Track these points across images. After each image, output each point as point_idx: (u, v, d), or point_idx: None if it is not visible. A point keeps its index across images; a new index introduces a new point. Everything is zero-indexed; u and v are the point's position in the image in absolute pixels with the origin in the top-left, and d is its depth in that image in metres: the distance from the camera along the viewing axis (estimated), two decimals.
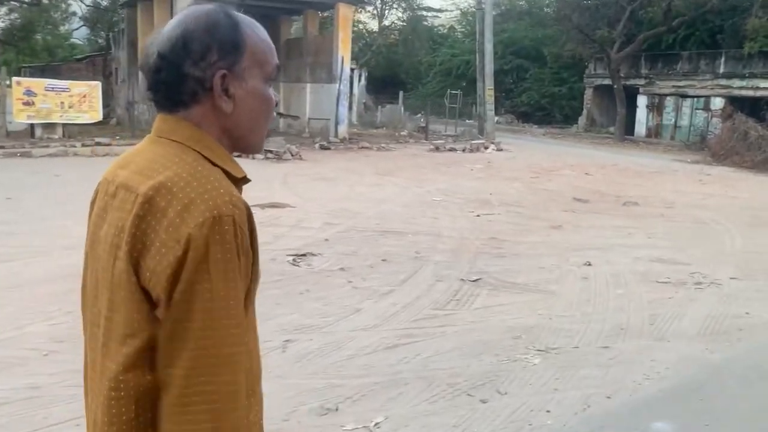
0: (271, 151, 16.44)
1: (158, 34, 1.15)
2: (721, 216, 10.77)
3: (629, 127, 29.23)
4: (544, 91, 34.89)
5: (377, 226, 8.86)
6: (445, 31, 50.85)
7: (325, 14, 29.02)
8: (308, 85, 24.03)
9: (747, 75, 25.11)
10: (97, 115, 18.32)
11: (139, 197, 1.07)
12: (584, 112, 32.64)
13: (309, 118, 24.08)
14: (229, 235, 1.04)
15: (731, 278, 6.94)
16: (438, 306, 5.64)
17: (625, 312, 5.67)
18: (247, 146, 1.23)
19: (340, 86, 22.22)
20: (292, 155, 16.60)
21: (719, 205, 12.03)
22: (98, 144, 16.59)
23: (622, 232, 9.24)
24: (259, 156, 16.42)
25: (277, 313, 5.31)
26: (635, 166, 18.34)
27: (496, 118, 37.90)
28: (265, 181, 12.21)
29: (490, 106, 27.16)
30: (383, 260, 7.09)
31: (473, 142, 22.07)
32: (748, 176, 17.24)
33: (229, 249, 1.04)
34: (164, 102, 1.16)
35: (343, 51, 22.13)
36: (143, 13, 23.46)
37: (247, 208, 1.10)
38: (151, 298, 1.06)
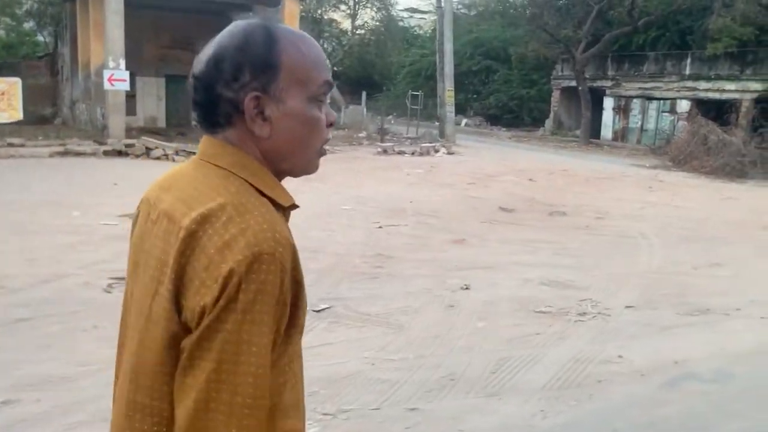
0: (194, 152, 15.35)
1: (202, 51, 1.09)
2: (652, 228, 9.80)
3: (596, 130, 28.33)
4: (513, 93, 33.91)
5: None
6: (421, 31, 49.94)
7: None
8: None
9: (713, 77, 24.26)
10: (17, 114, 17.21)
11: (182, 231, 1.00)
12: (551, 114, 31.69)
13: None
14: (267, 274, 0.96)
15: (626, 307, 5.94)
16: None
17: (470, 354, 4.66)
18: (292, 169, 1.13)
19: None
20: None
21: (657, 215, 11.06)
22: (10, 145, 15.49)
23: (528, 248, 8.24)
24: (179, 157, 15.40)
25: (28, 359, 4.26)
26: (587, 172, 17.38)
27: (465, 121, 37.01)
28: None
29: (450, 108, 26.21)
30: None
31: (423, 145, 21.08)
32: (704, 183, 16.31)
33: (263, 290, 0.96)
34: (204, 124, 1.09)
35: None
36: (81, 8, 22.36)
37: (292, 245, 1.01)
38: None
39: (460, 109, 38.07)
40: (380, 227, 9.05)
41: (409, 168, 16.33)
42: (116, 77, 18.20)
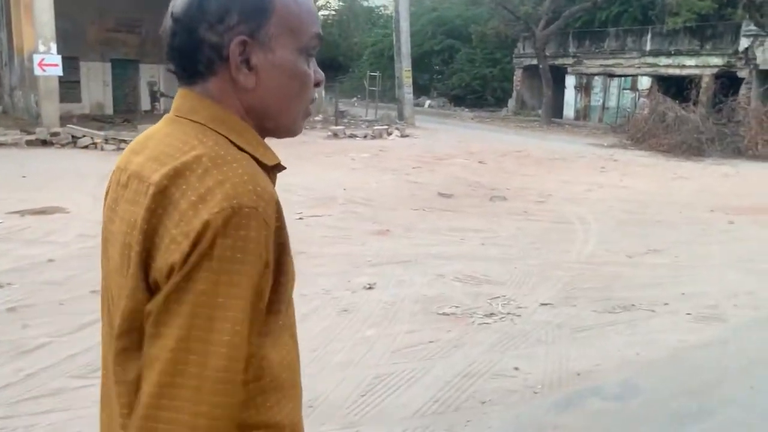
0: (125, 141, 14.51)
1: None
2: (594, 212, 9.25)
3: (558, 109, 27.84)
4: (475, 72, 33.25)
5: None
6: (387, 11, 49.02)
7: None
8: None
9: (673, 52, 23.81)
10: None
11: (152, 187, 0.90)
12: (514, 94, 31.11)
13: None
14: (247, 230, 0.85)
15: (542, 304, 5.36)
16: (77, 373, 3.91)
17: (345, 372, 4.02)
18: (276, 129, 1.03)
19: None
20: None
21: (602, 197, 10.53)
22: None
23: (456, 237, 7.63)
24: (109, 146, 14.54)
25: None
26: (542, 153, 16.83)
27: (428, 102, 36.34)
28: (79, 177, 10.38)
29: (408, 88, 25.50)
30: (92, 292, 5.33)
31: (376, 128, 20.37)
32: (659, 162, 15.84)
33: (242, 247, 0.84)
34: (181, 73, 0.99)
35: None
36: None
37: (277, 201, 0.92)
38: None
39: (424, 90, 37.44)
40: (301, 218, 8.37)
41: (356, 152, 15.63)
42: (47, 62, 17.18)
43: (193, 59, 0.96)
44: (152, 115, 25.48)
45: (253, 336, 0.89)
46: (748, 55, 21.45)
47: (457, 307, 5.23)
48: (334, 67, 40.63)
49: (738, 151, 17.08)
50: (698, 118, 17.59)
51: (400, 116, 25.16)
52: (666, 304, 5.47)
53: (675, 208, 9.66)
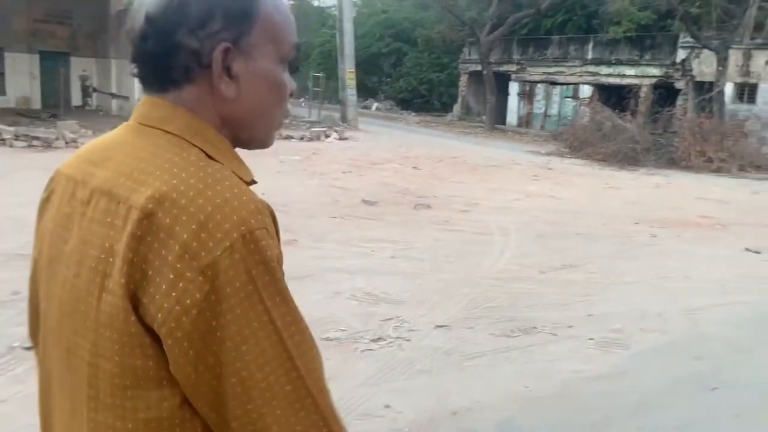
0: (38, 138, 13.65)
1: None
2: (517, 222, 8.95)
3: (502, 116, 27.80)
4: (422, 76, 33.00)
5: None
6: (336, 11, 48.48)
7: None
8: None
9: (614, 62, 23.99)
10: None
11: (134, 211, 0.80)
12: (459, 99, 30.98)
13: (138, 99, 21.10)
14: (268, 250, 0.80)
15: (437, 327, 4.95)
16: None
17: None
18: (250, 140, 0.96)
19: None
20: (67, 142, 13.84)
21: (528, 207, 10.25)
22: None
23: (367, 249, 7.19)
24: (19, 143, 13.64)
25: None
26: (479, 159, 16.59)
27: (376, 105, 35.98)
28: None
29: (351, 90, 25.06)
30: None
31: (314, 130, 19.86)
32: (593, 171, 15.77)
33: (273, 268, 0.80)
34: (150, 79, 0.90)
35: None
36: None
37: (273, 214, 0.86)
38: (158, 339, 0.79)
39: (372, 93, 37.08)
40: None
41: (287, 155, 15.07)
42: None
43: (167, 65, 0.88)
44: (83, 111, 24.41)
45: None
46: (684, 67, 21.73)
47: (344, 330, 4.78)
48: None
49: (672, 161, 17.17)
50: (634, 128, 17.64)
51: (343, 118, 24.70)
52: (570, 326, 5.14)
53: (600, 220, 9.44)
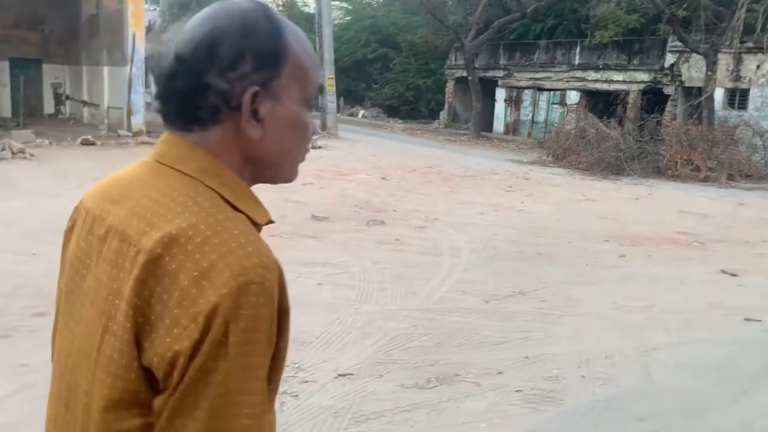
0: None
1: (178, 30, 0.90)
2: (473, 241, 8.17)
3: (489, 123, 27.05)
4: (409, 83, 32.24)
5: None
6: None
7: None
8: (105, 68, 20.37)
9: (601, 66, 23.24)
10: None
11: (141, 255, 0.81)
12: (446, 106, 30.23)
13: (108, 107, 20.47)
14: (257, 308, 0.79)
15: (339, 375, 4.18)
16: None
17: None
18: (274, 178, 0.96)
19: (132, 69, 18.74)
20: (13, 153, 13.08)
21: (492, 222, 9.47)
22: None
23: (293, 274, 6.34)
24: None
25: None
26: (456, 169, 15.82)
27: (362, 112, 35.22)
28: None
29: (331, 97, 24.35)
30: None
31: None
32: (573, 180, 14.99)
33: (254, 327, 0.78)
34: (176, 118, 0.90)
35: (136, 27, 18.68)
36: None
37: (280, 269, 0.84)
38: (154, 382, 0.82)
39: (358, 100, 36.39)
40: None
41: None
42: None
43: (195, 105, 0.87)
44: (55, 120, 23.69)
45: None
46: (673, 72, 20.99)
47: None
48: None
49: (658, 170, 16.41)
50: (618, 136, 16.87)
51: (323, 126, 23.96)
52: (499, 372, 4.35)
53: (567, 237, 8.66)
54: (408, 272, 6.69)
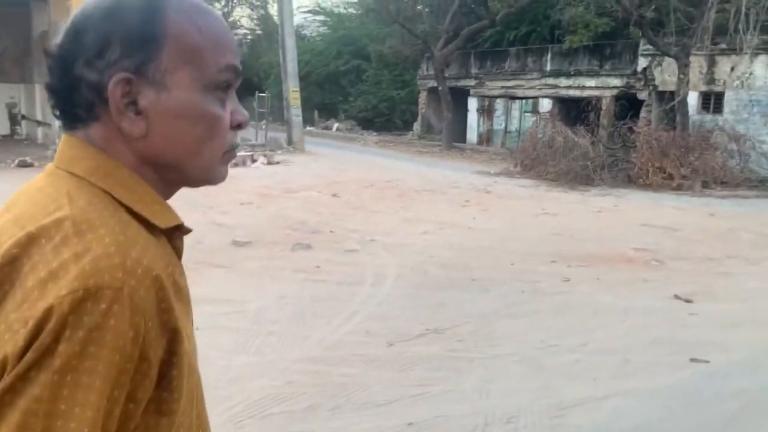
0: None
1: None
2: (402, 266, 7.30)
3: (462, 134, 26.26)
4: (382, 94, 31.45)
5: None
6: (306, 31, 47.18)
7: None
8: None
9: (573, 73, 22.50)
10: None
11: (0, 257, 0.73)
12: (419, 117, 29.44)
13: (60, 127, 19.52)
14: (106, 317, 0.67)
15: None
16: None
17: None
18: (184, 180, 0.85)
19: None
20: None
21: (431, 243, 8.58)
22: None
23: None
24: None
25: None
26: (416, 183, 14.97)
27: (336, 125, 34.41)
28: None
29: (296, 110, 23.51)
30: None
31: (241, 154, 18.23)
32: (537, 192, 14.13)
33: (96, 339, 0.67)
34: (61, 116, 0.83)
35: None
36: None
37: (156, 277, 0.72)
38: None
39: (332, 113, 35.60)
40: None
41: None
42: None
43: (71, 101, 0.80)
44: (11, 141, 22.78)
45: None
46: (646, 76, 20.25)
47: None
48: (247, 87, 38.50)
49: (629, 179, 15.61)
50: (588, 144, 16.07)
51: (289, 140, 23.14)
52: None
53: (510, 258, 7.78)
54: (313, 308, 5.80)
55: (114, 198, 0.77)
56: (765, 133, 17.76)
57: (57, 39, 0.79)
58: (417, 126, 29.29)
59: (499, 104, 25.30)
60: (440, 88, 24.69)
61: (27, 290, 0.68)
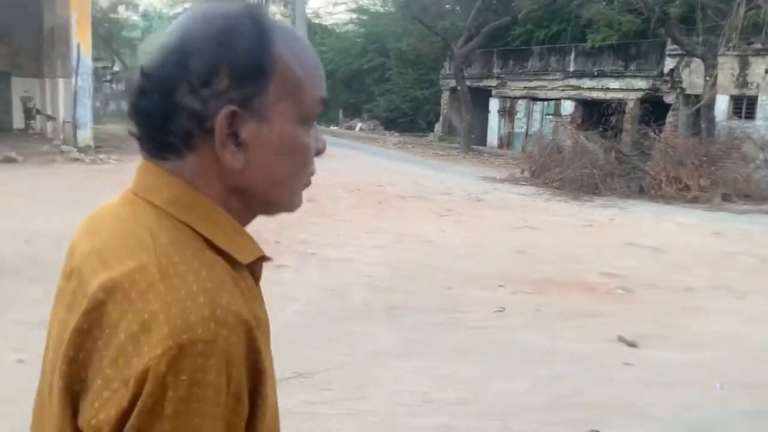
0: None
1: (153, 39, 0.78)
2: (330, 288, 6.53)
3: (483, 136, 25.21)
4: (405, 94, 30.58)
5: None
6: (340, 29, 46.69)
7: None
8: (60, 80, 19.36)
9: (596, 73, 21.22)
10: None
11: (85, 301, 0.70)
12: (441, 118, 28.47)
13: (63, 121, 19.41)
14: (204, 372, 0.66)
15: None
16: None
17: None
18: (267, 209, 0.83)
19: (77, 80, 17.67)
20: None
21: (377, 260, 7.76)
22: None
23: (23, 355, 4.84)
24: None
25: None
26: (408, 189, 14.12)
27: (359, 125, 33.72)
28: None
29: None
30: None
31: None
32: (535, 202, 13.11)
33: (198, 396, 0.65)
34: (148, 143, 0.77)
35: (80, 36, 17.65)
36: None
37: (246, 322, 0.69)
38: None
39: (356, 112, 34.94)
40: None
41: None
42: None
43: (166, 129, 0.74)
44: (25, 135, 22.81)
45: None
46: (673, 78, 18.86)
47: None
48: None
49: (641, 189, 14.41)
50: (598, 150, 14.93)
51: None
52: None
53: (452, 281, 6.90)
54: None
55: (196, 232, 0.73)
56: None
57: (148, 60, 0.74)
58: (438, 127, 28.35)
59: (521, 106, 24.17)
60: (459, 87, 23.74)
61: (120, 344, 0.66)
